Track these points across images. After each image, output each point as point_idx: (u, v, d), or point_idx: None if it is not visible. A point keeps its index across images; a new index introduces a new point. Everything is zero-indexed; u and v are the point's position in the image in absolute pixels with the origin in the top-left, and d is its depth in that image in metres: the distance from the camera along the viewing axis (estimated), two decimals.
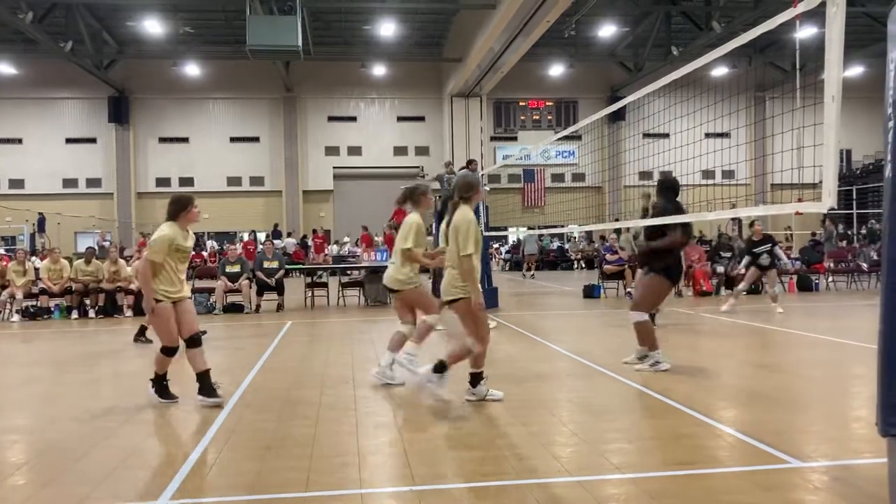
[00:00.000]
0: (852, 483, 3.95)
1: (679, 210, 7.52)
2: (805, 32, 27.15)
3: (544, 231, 31.09)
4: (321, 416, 5.60)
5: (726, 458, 4.47)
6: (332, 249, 30.17)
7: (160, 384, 6.13)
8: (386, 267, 16.39)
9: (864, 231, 28.18)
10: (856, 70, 34.26)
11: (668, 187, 7.65)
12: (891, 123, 3.26)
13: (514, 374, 7.20)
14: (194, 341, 6.04)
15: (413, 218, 6.81)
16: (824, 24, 4.31)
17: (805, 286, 17.62)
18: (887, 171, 3.31)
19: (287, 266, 15.98)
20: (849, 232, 29.10)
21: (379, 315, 13.45)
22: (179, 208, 6.04)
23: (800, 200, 5.14)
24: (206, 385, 6.02)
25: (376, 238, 24.51)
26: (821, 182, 4.38)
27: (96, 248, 20.90)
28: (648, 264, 7.55)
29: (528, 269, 26.94)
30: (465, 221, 5.63)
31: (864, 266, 18.67)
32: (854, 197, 30.75)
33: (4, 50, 32.87)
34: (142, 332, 9.97)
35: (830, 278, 18.67)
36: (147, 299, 5.89)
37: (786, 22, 4.87)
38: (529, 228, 35.26)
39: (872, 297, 15.72)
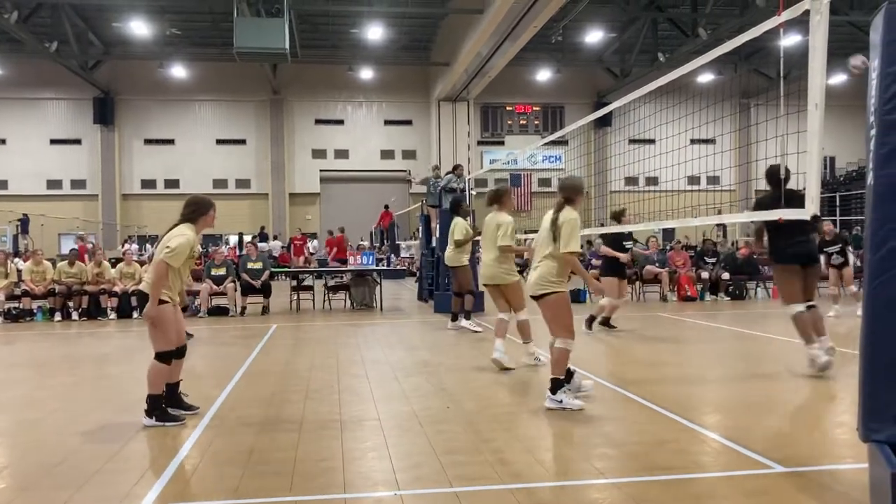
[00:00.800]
0: (835, 488, 3.97)
1: (778, 199, 6.71)
2: (789, 40, 27.38)
3: (531, 235, 31.12)
4: (305, 420, 5.58)
5: (710, 464, 4.49)
6: (314, 245, 30.06)
7: (159, 407, 5.45)
8: (371, 271, 16.40)
9: (848, 237, 28.36)
10: (839, 78, 34.54)
11: (770, 177, 7.15)
12: (873, 132, 3.29)
13: (497, 380, 7.20)
14: (181, 352, 5.67)
15: (506, 217, 7.99)
16: (808, 32, 4.35)
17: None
18: (869, 179, 3.35)
19: (273, 269, 15.91)
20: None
21: (365, 319, 13.41)
22: (201, 211, 5.66)
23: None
24: (176, 398, 5.74)
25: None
26: (804, 189, 4.41)
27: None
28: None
29: None
30: (570, 221, 5.77)
31: None
32: (837, 204, 31.00)
33: None
34: None
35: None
36: (152, 304, 5.31)
37: (771, 29, 4.91)
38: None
39: (854, 303, 15.81)
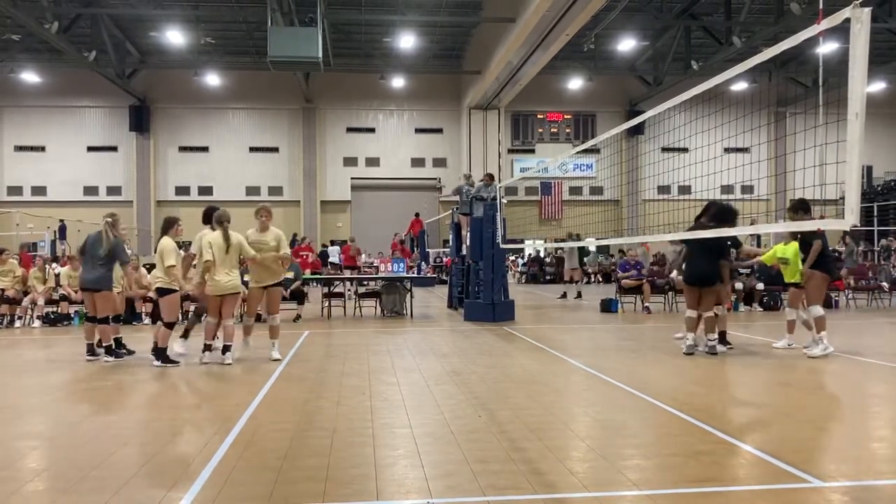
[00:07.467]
0: None
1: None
2: (827, 47, 27.00)
3: (561, 244, 30.96)
4: (338, 427, 5.60)
5: (745, 477, 4.43)
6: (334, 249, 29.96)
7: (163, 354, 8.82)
8: (401, 278, 16.44)
9: (878, 248, 27.90)
10: (877, 86, 34.01)
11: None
12: None
13: (531, 389, 7.18)
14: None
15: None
16: (847, 39, 4.30)
17: (824, 303, 17.43)
18: None
19: (305, 277, 15.98)
20: (868, 250, 28.83)
21: (395, 326, 13.45)
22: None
23: (822, 217, 5.11)
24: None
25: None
26: (842, 198, 4.35)
27: None
28: None
29: (572, 282, 21.62)
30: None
31: (885, 285, 18.45)
32: (875, 213, 30.49)
33: (30, 59, 33.36)
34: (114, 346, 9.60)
35: (850, 295, 18.48)
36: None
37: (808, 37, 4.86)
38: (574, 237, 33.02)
39: (893, 314, 15.54)
